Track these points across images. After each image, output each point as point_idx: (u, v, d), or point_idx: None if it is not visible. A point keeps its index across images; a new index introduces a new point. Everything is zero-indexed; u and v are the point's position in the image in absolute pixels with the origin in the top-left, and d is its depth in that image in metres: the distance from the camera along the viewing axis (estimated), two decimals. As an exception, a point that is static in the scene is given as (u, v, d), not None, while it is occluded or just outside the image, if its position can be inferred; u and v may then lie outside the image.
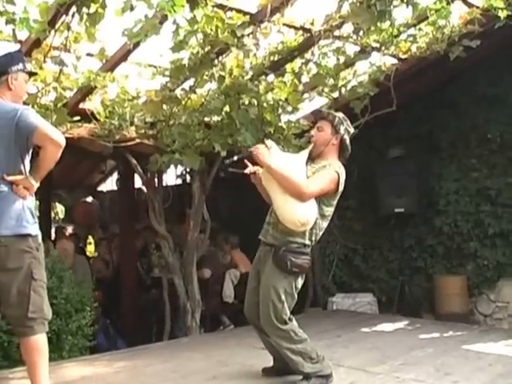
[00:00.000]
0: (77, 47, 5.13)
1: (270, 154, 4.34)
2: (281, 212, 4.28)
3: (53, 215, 12.82)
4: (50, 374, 3.85)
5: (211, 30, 5.17)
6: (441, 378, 4.62)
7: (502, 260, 7.62)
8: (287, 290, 4.33)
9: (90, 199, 13.19)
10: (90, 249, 12.27)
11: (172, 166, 7.05)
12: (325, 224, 4.48)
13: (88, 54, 5.43)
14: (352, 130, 4.69)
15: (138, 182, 8.61)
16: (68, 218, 13.05)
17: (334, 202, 4.49)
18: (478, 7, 5.88)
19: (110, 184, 13.57)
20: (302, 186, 4.20)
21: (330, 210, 4.47)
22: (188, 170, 7.66)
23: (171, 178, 10.12)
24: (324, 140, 4.50)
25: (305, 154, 4.52)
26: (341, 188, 4.42)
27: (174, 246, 7.37)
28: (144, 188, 9.45)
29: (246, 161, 4.49)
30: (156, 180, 7.55)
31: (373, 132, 7.86)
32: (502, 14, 5.47)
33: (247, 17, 5.20)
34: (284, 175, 4.23)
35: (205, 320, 7.53)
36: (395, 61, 6.77)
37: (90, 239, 12.52)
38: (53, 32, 4.77)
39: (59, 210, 13.62)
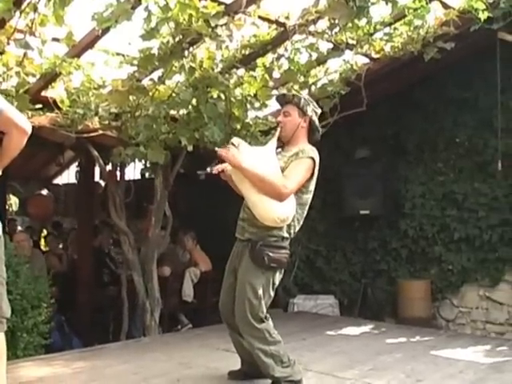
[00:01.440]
0: (42, 31, 4.88)
1: (240, 152, 4.10)
2: (258, 211, 4.07)
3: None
4: (6, 374, 3.61)
5: (184, 18, 4.98)
6: (413, 385, 4.51)
7: (467, 265, 7.56)
8: (264, 286, 4.15)
9: (45, 192, 12.85)
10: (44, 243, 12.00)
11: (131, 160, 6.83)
12: (304, 213, 4.31)
13: (54, 39, 5.20)
14: (319, 111, 4.54)
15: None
16: (22, 211, 12.72)
17: (312, 188, 4.32)
18: (454, 9, 5.79)
19: (66, 177, 13.26)
20: (280, 187, 3.99)
21: (308, 197, 4.30)
22: (149, 164, 7.45)
23: (130, 172, 9.91)
24: (292, 125, 4.32)
25: (273, 142, 4.31)
26: (316, 171, 4.26)
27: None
28: (101, 181, 9.28)
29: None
30: (118, 173, 7.35)
31: (340, 131, 7.74)
32: (483, 16, 5.39)
33: (222, 7, 5.03)
34: (259, 176, 4.01)
35: (163, 319, 7.33)
36: (367, 60, 6.66)
37: (45, 233, 12.24)
38: (18, 13, 4.53)
39: (13, 202, 13.27)
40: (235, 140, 4.23)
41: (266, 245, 4.12)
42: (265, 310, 4.18)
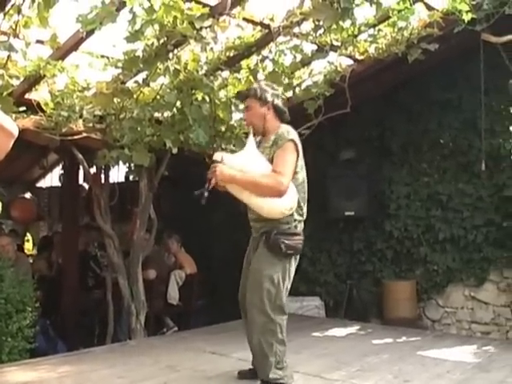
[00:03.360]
0: (26, 33, 4.85)
1: (226, 166, 4.16)
2: (265, 212, 4.18)
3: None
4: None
5: (169, 20, 4.97)
6: (400, 386, 4.51)
7: (452, 265, 7.57)
8: (281, 273, 4.20)
9: (28, 195, 12.76)
10: (28, 246, 11.92)
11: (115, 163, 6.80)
12: (305, 190, 4.39)
13: (38, 41, 5.17)
14: (279, 92, 4.63)
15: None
16: (4, 214, 12.61)
17: (302, 163, 4.38)
18: (438, 10, 5.81)
19: (49, 180, 13.17)
20: (276, 185, 4.08)
21: (302, 175, 4.38)
22: (133, 166, 7.43)
23: (114, 174, 9.86)
24: (258, 117, 4.41)
25: (251, 140, 4.37)
26: (300, 148, 4.33)
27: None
28: (85, 184, 9.23)
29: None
30: (102, 176, 7.31)
31: (324, 133, 7.75)
32: (466, 17, 5.41)
33: (207, 8, 5.01)
34: (254, 183, 4.12)
35: (148, 322, 7.28)
36: (351, 62, 6.67)
37: (28, 236, 12.17)
38: (2, 15, 4.51)
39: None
40: (217, 155, 4.29)
41: (281, 233, 4.17)
42: (284, 299, 4.23)
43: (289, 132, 4.33)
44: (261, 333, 4.18)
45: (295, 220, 4.26)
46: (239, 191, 4.21)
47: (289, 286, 4.32)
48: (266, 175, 4.13)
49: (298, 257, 4.35)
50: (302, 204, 4.31)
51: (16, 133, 3.35)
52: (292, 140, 4.27)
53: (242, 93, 4.67)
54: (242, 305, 4.51)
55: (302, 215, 4.33)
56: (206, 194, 4.11)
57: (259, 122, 4.40)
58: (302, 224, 4.36)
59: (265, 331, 4.17)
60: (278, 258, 4.18)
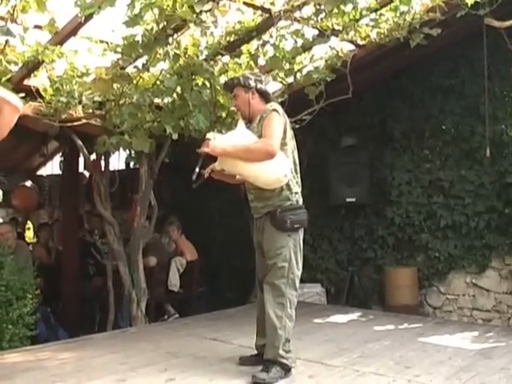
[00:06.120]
0: (24, 17, 4.80)
1: (217, 141, 4.30)
2: (262, 181, 4.28)
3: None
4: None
5: (168, 4, 4.92)
6: (401, 372, 4.46)
7: (453, 252, 7.55)
8: (292, 248, 4.33)
9: (29, 183, 12.72)
10: (29, 234, 11.90)
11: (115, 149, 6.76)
12: (295, 160, 4.50)
13: (36, 26, 5.11)
14: (262, 78, 4.73)
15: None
16: (5, 203, 12.59)
17: (289, 135, 4.47)
18: (440, -6, 5.75)
19: (50, 168, 13.13)
20: (265, 146, 4.20)
21: (289, 148, 4.43)
22: (134, 153, 7.38)
23: (114, 162, 9.82)
24: (244, 102, 4.56)
25: (240, 122, 4.53)
26: (284, 117, 4.42)
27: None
28: (86, 171, 9.20)
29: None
30: (102, 163, 7.28)
31: (325, 119, 7.75)
32: (470, 1, 5.35)
33: (207, -8, 4.97)
34: (244, 149, 4.24)
35: (149, 309, 7.27)
36: (353, 47, 6.61)
37: (29, 224, 12.16)
38: (-1, -1, 4.47)
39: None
40: (210, 135, 4.44)
41: (285, 210, 4.30)
42: (297, 274, 4.38)
43: (271, 105, 4.46)
44: (271, 307, 4.28)
45: (295, 193, 4.39)
46: (233, 165, 4.35)
47: (302, 258, 4.43)
48: (255, 142, 4.27)
49: (303, 230, 4.45)
50: (294, 174, 4.42)
51: (21, 108, 3.32)
52: (275, 109, 4.38)
53: (228, 83, 4.77)
54: (259, 283, 4.60)
55: (298, 184, 4.45)
56: (194, 177, 4.21)
57: (245, 107, 4.56)
58: (301, 196, 4.47)
59: (275, 304, 4.28)
60: (287, 233, 4.29)
